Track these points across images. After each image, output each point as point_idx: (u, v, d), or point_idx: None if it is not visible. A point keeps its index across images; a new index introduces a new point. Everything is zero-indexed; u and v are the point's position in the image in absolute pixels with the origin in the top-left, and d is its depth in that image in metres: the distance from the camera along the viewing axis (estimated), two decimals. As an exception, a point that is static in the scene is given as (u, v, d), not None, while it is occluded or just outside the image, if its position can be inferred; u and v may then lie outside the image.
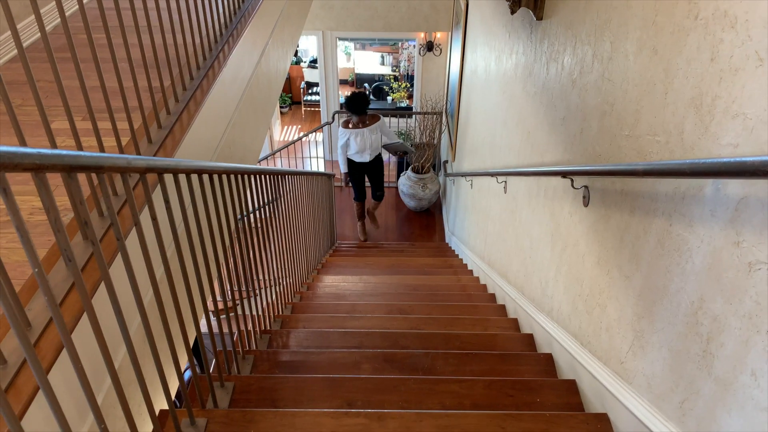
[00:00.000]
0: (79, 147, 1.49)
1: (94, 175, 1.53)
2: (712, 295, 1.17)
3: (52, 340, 1.24)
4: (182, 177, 1.60)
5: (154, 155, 1.87)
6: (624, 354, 1.61)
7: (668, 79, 1.35)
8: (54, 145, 1.38)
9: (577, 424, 1.66)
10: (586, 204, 1.89)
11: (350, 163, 5.79)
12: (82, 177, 1.38)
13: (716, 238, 1.15)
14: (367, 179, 6.09)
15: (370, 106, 5.63)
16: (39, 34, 2.73)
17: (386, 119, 5.99)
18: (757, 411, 1.04)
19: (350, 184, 6.04)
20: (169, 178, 1.52)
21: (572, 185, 1.97)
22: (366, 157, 5.69)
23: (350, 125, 5.60)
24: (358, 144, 5.60)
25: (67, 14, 2.72)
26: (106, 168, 1.05)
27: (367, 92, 5.53)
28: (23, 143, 1.27)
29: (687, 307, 1.27)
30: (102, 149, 1.60)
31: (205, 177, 1.73)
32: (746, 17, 1.06)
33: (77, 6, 1.54)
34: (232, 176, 2.02)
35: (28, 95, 2.28)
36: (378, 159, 5.85)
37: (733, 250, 1.10)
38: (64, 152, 0.90)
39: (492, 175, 3.39)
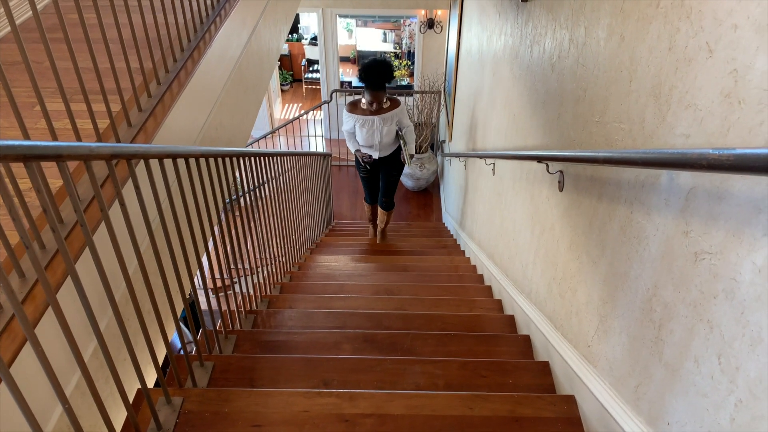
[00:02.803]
0: (52, 130, 1.52)
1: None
2: (665, 282, 1.19)
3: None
4: (157, 162, 1.62)
5: (134, 138, 1.89)
6: (590, 338, 1.64)
7: (633, 67, 1.35)
8: (24, 129, 1.40)
9: (544, 406, 1.70)
10: (561, 189, 1.90)
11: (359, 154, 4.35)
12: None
13: (669, 227, 1.17)
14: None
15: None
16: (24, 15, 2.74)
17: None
18: (699, 397, 1.06)
19: (363, 184, 4.72)
20: (144, 163, 1.53)
21: (547, 170, 1.98)
22: (375, 154, 4.19)
23: (357, 109, 4.02)
24: (365, 136, 4.06)
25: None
26: (65, 156, 1.07)
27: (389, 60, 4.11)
28: (24, 131, 1.29)
29: (643, 293, 1.29)
30: (77, 133, 1.62)
31: (181, 161, 1.74)
32: (700, 8, 1.06)
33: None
34: (212, 160, 2.04)
35: (16, 76, 2.29)
36: (394, 156, 4.30)
37: (683, 240, 1.11)
38: (17, 142, 0.93)
39: (480, 156, 3.39)
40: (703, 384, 1.05)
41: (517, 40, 2.66)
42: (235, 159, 2.36)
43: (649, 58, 1.26)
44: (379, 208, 4.73)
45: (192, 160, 1.84)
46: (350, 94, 8.12)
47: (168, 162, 1.67)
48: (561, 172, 1.90)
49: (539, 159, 1.96)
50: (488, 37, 3.60)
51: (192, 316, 1.84)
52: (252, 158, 2.64)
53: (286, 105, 10.91)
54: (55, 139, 1.56)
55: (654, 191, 1.25)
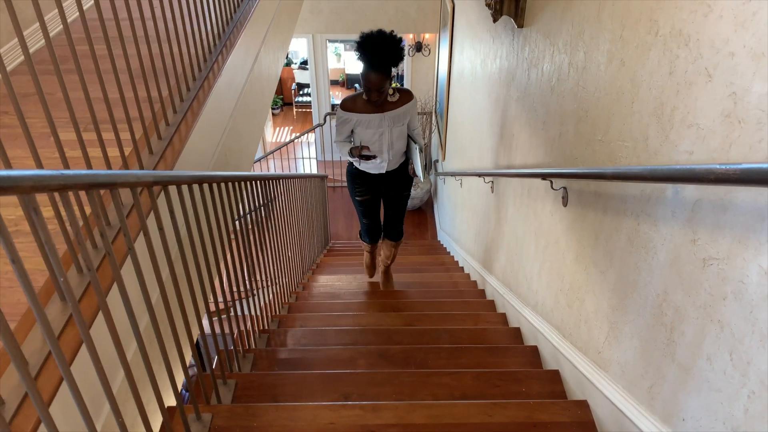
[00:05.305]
0: (87, 160, 1.59)
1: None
2: (674, 288, 1.29)
3: (68, 344, 1.34)
4: (184, 187, 1.70)
5: (156, 166, 1.97)
6: (601, 344, 1.73)
7: (634, 90, 1.46)
8: (64, 158, 1.48)
9: (559, 411, 1.78)
10: (565, 204, 2.00)
11: (357, 176, 3.23)
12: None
13: (676, 236, 1.27)
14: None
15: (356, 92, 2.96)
16: (29, 48, 2.81)
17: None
18: (712, 392, 1.15)
19: (360, 215, 3.44)
20: (172, 188, 1.61)
21: (552, 186, 2.08)
22: (382, 167, 3.12)
23: (357, 105, 2.98)
24: (370, 139, 2.99)
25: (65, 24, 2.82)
26: (119, 184, 1.15)
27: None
28: (38, 160, 1.37)
29: (653, 299, 1.39)
30: (108, 162, 1.70)
31: (206, 186, 1.83)
32: (698, 36, 1.17)
33: (78, 13, 1.62)
34: (230, 183, 2.12)
35: (30, 107, 2.36)
36: (403, 169, 3.25)
37: (691, 248, 1.21)
38: (83, 172, 1.01)
39: (479, 175, 3.50)
40: (716, 380, 1.14)
41: (514, 64, 2.78)
42: (251, 182, 2.45)
43: (650, 82, 1.37)
44: (384, 241, 3.59)
45: (214, 185, 1.92)
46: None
47: (194, 187, 1.75)
48: (564, 188, 2.01)
49: (544, 176, 2.06)
50: (482, 60, 3.73)
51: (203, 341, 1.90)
52: (266, 181, 2.73)
53: (278, 128, 11.03)
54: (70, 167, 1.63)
55: (660, 204, 1.35)
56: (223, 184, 2.04)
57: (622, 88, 1.53)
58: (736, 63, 1.04)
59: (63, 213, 1.53)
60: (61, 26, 1.56)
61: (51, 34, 2.87)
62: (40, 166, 1.36)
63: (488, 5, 2.70)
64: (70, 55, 1.52)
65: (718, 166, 0.95)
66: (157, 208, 1.41)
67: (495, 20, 2.69)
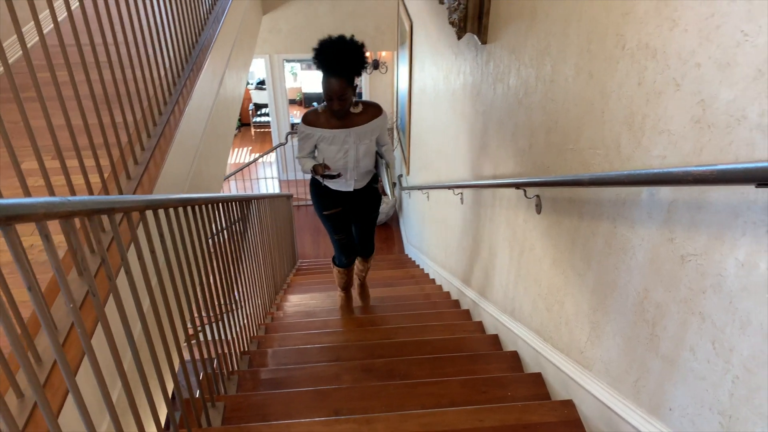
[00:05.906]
0: (71, 188, 1.58)
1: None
2: (654, 285, 1.36)
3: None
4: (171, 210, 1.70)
5: (134, 191, 1.95)
6: (583, 344, 1.80)
7: (604, 100, 1.55)
8: (50, 187, 1.46)
9: (547, 412, 1.83)
10: (538, 212, 2.08)
11: (322, 191, 3.03)
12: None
13: (654, 236, 1.35)
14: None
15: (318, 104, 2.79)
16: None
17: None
18: (698, 380, 1.22)
19: (330, 232, 3.24)
20: (160, 212, 1.61)
21: (525, 195, 2.16)
22: (349, 184, 2.97)
23: (320, 119, 2.80)
24: (333, 159, 2.84)
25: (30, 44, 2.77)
26: (116, 209, 1.15)
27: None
28: (26, 190, 1.35)
29: (634, 297, 1.46)
30: (90, 188, 1.69)
31: (189, 208, 1.83)
32: (664, 49, 1.26)
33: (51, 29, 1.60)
34: (212, 205, 2.12)
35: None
36: (371, 188, 3.12)
37: (669, 246, 1.29)
38: (86, 198, 1.01)
39: (449, 188, 3.58)
40: (701, 368, 1.21)
41: (478, 79, 2.87)
42: (230, 203, 2.45)
43: (620, 92, 1.46)
44: (356, 259, 3.48)
45: (196, 207, 1.92)
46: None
47: (179, 210, 1.75)
48: (537, 196, 2.09)
49: (518, 186, 2.14)
50: (445, 76, 3.83)
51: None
52: (242, 202, 2.73)
53: (236, 149, 10.95)
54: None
55: (636, 206, 1.43)
56: (204, 206, 2.04)
57: (591, 98, 1.62)
58: (703, 73, 1.13)
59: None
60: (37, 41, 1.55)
61: (12, 60, 2.83)
62: (28, 195, 1.34)
63: (452, 23, 2.79)
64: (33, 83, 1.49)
65: (695, 168, 1.02)
66: (149, 231, 1.41)
67: (459, 38, 2.78)
